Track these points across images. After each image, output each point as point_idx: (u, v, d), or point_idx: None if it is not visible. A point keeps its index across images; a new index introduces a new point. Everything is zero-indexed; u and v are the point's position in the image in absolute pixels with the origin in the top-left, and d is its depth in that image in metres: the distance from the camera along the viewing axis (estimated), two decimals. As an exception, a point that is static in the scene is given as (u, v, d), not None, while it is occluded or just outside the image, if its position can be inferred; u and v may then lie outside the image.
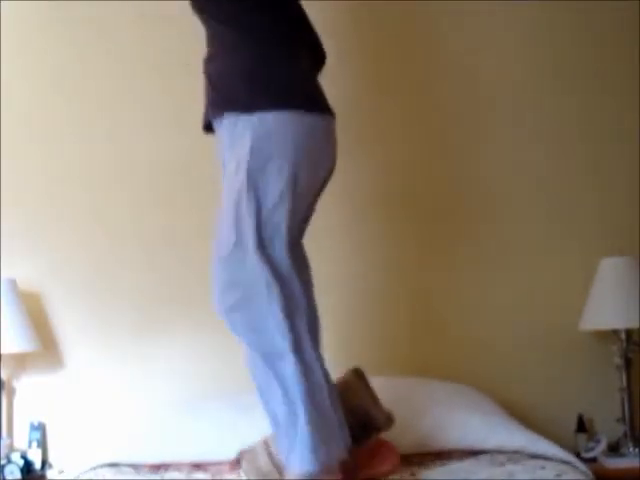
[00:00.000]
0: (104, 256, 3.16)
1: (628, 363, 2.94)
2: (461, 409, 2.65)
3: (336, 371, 2.99)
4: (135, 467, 2.57)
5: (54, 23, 3.25)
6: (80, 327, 3.14)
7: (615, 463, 2.80)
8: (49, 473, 2.96)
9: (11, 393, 3.08)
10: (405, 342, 3.08)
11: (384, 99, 3.19)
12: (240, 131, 2.08)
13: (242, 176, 2.04)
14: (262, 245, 2.02)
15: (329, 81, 2.30)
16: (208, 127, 2.27)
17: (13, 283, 3.03)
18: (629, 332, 2.95)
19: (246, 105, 2.07)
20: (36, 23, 3.26)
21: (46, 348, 3.09)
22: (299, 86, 2.12)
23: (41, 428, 3.06)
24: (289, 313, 2.03)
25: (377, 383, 2.80)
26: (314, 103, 2.12)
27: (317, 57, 2.28)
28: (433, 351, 3.08)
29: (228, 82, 2.14)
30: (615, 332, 2.97)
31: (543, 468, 2.26)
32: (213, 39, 2.23)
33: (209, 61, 2.24)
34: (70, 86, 3.24)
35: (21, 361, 3.11)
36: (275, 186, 2.03)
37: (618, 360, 2.95)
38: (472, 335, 3.09)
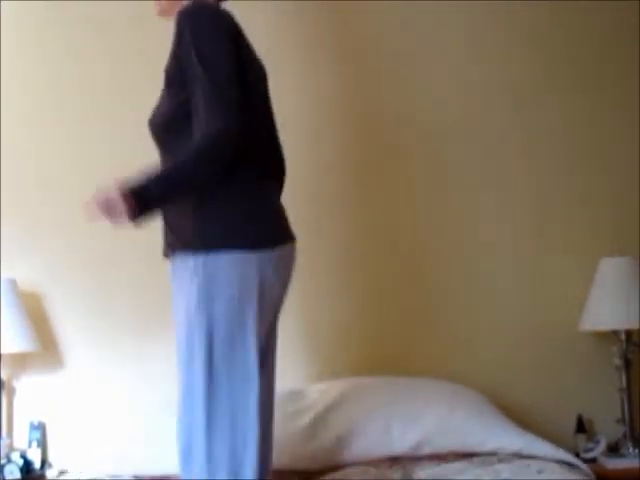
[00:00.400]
0: (104, 256, 3.16)
1: (628, 363, 2.94)
2: (460, 411, 2.65)
3: (333, 371, 3.01)
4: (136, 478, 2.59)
5: (53, 23, 3.25)
6: (80, 327, 3.14)
7: (615, 464, 2.79)
8: (49, 473, 2.96)
9: (11, 393, 3.09)
10: (404, 342, 3.08)
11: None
12: (189, 271, 1.98)
13: (186, 321, 1.98)
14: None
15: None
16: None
17: (13, 283, 3.03)
18: (629, 333, 2.95)
19: (195, 245, 1.97)
20: (35, 23, 3.26)
21: (46, 348, 3.10)
22: (260, 225, 2.00)
23: (41, 428, 3.07)
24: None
25: (375, 384, 2.81)
26: (276, 238, 2.01)
27: (282, 175, 2.18)
28: (433, 351, 3.08)
29: (178, 220, 2.04)
30: (615, 332, 2.96)
31: (528, 466, 2.26)
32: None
33: None
34: (69, 87, 3.24)
35: (21, 361, 3.11)
36: (224, 322, 1.93)
37: (618, 361, 2.95)
38: (471, 335, 3.09)
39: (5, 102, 3.20)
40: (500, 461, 2.38)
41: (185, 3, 2.11)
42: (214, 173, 1.93)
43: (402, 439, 2.49)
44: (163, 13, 2.25)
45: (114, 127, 3.21)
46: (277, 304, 2.06)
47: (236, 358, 1.93)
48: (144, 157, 3.15)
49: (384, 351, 3.06)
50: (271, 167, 2.12)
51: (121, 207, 1.87)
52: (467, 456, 2.47)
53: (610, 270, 2.97)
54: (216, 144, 1.91)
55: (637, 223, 3.10)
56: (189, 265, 1.98)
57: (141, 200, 1.88)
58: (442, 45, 3.22)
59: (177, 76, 2.02)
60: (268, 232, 2.00)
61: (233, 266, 1.93)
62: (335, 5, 3.19)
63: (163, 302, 3.10)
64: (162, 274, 3.10)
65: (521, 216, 3.16)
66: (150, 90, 3.17)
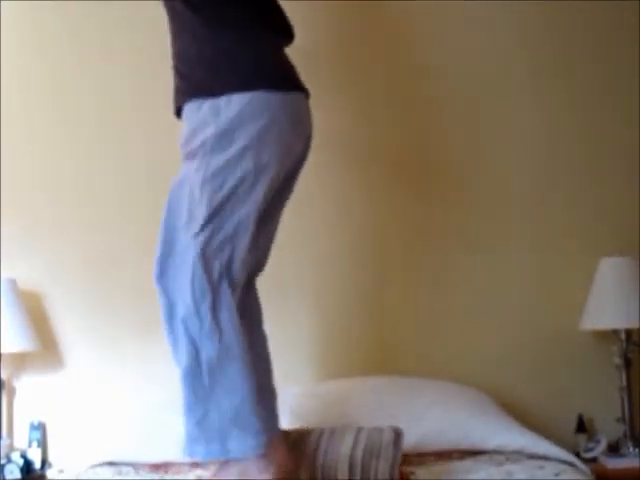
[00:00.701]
0: (104, 256, 3.16)
1: (628, 363, 2.94)
2: (461, 409, 2.65)
3: (335, 371, 3.01)
4: (135, 466, 2.58)
5: (53, 23, 3.26)
6: (80, 327, 3.14)
7: (615, 463, 2.79)
8: (49, 472, 2.96)
9: (11, 393, 3.08)
10: (405, 342, 3.08)
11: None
12: (204, 114, 2.04)
13: (207, 157, 2.02)
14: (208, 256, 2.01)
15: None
16: (179, 113, 2.24)
17: (13, 283, 3.03)
18: (629, 332, 2.95)
19: (210, 88, 2.04)
20: (35, 23, 3.26)
21: (46, 348, 3.10)
22: (265, 66, 2.08)
23: (41, 428, 3.06)
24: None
25: (378, 383, 2.81)
26: (282, 81, 2.07)
27: (285, 34, 2.24)
28: (433, 351, 3.07)
29: (191, 67, 2.12)
30: (615, 332, 2.97)
31: (542, 468, 2.26)
32: (176, 25, 2.20)
33: (173, 44, 2.21)
34: (69, 87, 3.24)
35: (21, 361, 3.11)
36: (236, 173, 2.01)
37: (618, 360, 2.95)
38: (472, 335, 3.09)
39: (5, 102, 3.20)
40: (507, 460, 2.37)
41: None
42: None
43: (405, 436, 2.48)
44: None
45: (114, 127, 3.21)
46: (299, 157, 2.14)
47: (241, 210, 2.00)
48: (144, 157, 3.20)
49: (384, 351, 3.06)
50: (280, 25, 2.20)
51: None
52: (470, 454, 2.47)
53: (610, 270, 2.97)
54: None
55: (637, 223, 3.10)
56: (204, 108, 2.03)
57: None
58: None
59: None
60: (287, 75, 2.09)
61: (253, 105, 1.99)
62: None
63: (163, 302, 3.11)
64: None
65: (521, 216, 3.16)
66: (150, 90, 3.22)
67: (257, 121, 2.00)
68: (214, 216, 2.00)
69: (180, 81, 2.18)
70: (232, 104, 2.00)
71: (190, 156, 2.09)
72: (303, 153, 2.17)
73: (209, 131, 2.02)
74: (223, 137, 2.00)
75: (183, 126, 2.18)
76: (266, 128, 2.01)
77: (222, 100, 2.01)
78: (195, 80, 2.10)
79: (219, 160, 2.00)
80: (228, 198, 2.00)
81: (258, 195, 2.02)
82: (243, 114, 1.99)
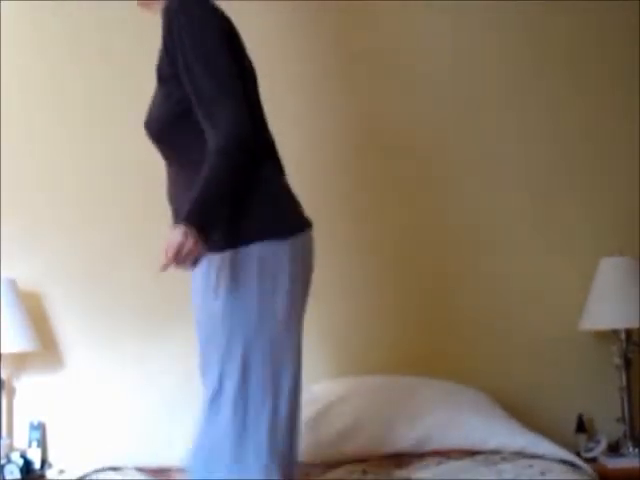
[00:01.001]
0: (104, 256, 3.16)
1: (628, 363, 2.94)
2: (462, 409, 2.65)
3: (335, 371, 3.01)
4: (138, 470, 2.58)
5: (53, 23, 3.25)
6: (80, 327, 3.14)
7: (615, 463, 2.79)
8: (49, 473, 2.96)
9: (11, 393, 3.08)
10: (405, 342, 3.08)
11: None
12: (214, 267, 1.94)
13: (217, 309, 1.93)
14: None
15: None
16: None
17: (13, 283, 3.03)
18: (629, 332, 2.95)
19: (221, 244, 1.93)
20: (35, 23, 3.26)
21: (46, 348, 3.09)
22: (280, 212, 1.98)
23: (41, 428, 3.06)
24: None
25: (378, 383, 2.82)
26: (290, 226, 1.97)
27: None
28: (433, 351, 3.07)
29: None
30: (615, 332, 2.97)
31: (531, 467, 2.26)
32: (175, 171, 2.08)
33: (174, 193, 2.10)
34: (69, 87, 3.24)
35: (21, 361, 3.11)
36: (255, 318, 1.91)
37: (618, 360, 2.95)
38: (472, 335, 3.09)
39: (5, 102, 3.20)
40: (503, 460, 2.37)
41: None
42: (244, 168, 1.89)
43: (404, 436, 2.49)
44: (145, 6, 2.18)
45: (114, 127, 3.21)
46: (307, 290, 2.04)
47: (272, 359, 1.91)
48: (144, 157, 3.18)
49: (385, 351, 3.06)
50: (278, 159, 2.09)
51: (190, 244, 1.81)
52: (470, 454, 2.47)
53: (610, 270, 2.97)
54: (237, 139, 1.87)
55: (637, 223, 3.10)
56: (214, 261, 1.94)
57: (201, 226, 1.83)
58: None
59: (170, 72, 1.98)
60: (294, 218, 2.00)
61: (265, 256, 1.91)
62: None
63: (163, 302, 3.13)
64: (162, 274, 3.12)
65: (521, 216, 3.16)
66: (151, 90, 3.20)
67: (266, 272, 1.91)
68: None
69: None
70: (246, 255, 1.91)
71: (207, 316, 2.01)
72: (307, 288, 2.06)
73: (225, 278, 1.92)
74: (238, 293, 1.91)
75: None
76: (275, 277, 1.92)
77: (238, 252, 1.91)
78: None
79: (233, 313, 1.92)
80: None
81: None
82: (249, 265, 1.91)
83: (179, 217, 1.89)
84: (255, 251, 1.91)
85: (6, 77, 3.21)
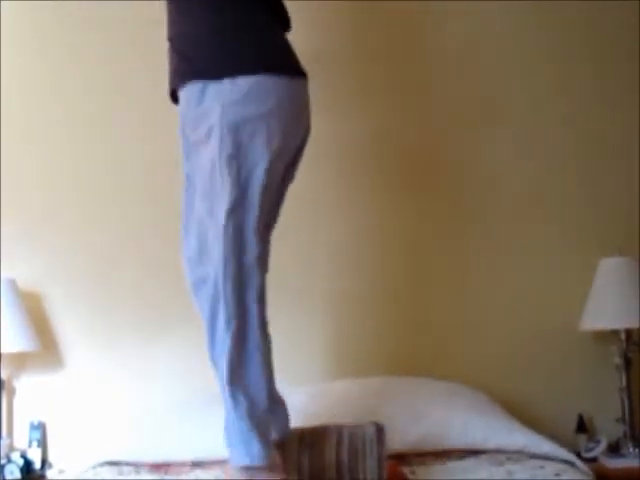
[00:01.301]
0: (104, 256, 3.16)
1: (628, 363, 2.94)
2: (462, 409, 2.64)
3: (335, 371, 3.01)
4: (136, 466, 2.58)
5: (53, 23, 3.26)
6: (80, 327, 3.14)
7: (615, 463, 2.79)
8: (49, 473, 2.96)
9: (11, 393, 3.08)
10: (405, 342, 3.08)
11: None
12: (209, 98, 2.00)
13: (215, 142, 1.97)
14: (234, 214, 1.96)
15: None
16: (174, 95, 2.20)
17: (13, 283, 3.03)
18: (629, 332, 2.95)
19: (215, 71, 2.00)
20: (35, 23, 3.26)
21: (46, 348, 3.10)
22: (269, 49, 2.04)
23: (41, 428, 3.06)
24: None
25: (378, 383, 2.82)
26: (287, 66, 2.04)
27: (284, 20, 2.19)
28: (433, 351, 3.07)
29: (192, 48, 2.08)
30: (615, 332, 2.97)
31: (542, 467, 2.25)
32: (175, 5, 2.15)
33: (173, 26, 2.16)
34: (69, 87, 3.24)
35: (21, 361, 3.11)
36: (252, 150, 1.97)
37: (618, 360, 2.95)
38: (472, 335, 3.09)
39: (5, 102, 3.20)
40: (508, 459, 2.36)
41: None
42: None
43: (405, 436, 2.48)
44: None
45: (114, 127, 3.22)
46: (299, 144, 2.11)
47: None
48: (144, 157, 3.20)
49: (385, 351, 3.06)
50: (279, 11, 2.16)
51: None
52: (471, 453, 2.47)
53: (610, 270, 2.97)
54: None
55: (637, 223, 3.10)
56: (208, 92, 1.99)
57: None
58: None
59: None
60: (292, 61, 2.05)
61: (259, 88, 1.95)
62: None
63: (163, 302, 3.13)
64: (162, 274, 3.13)
65: (521, 216, 3.16)
66: (151, 90, 3.21)
67: (263, 104, 1.97)
68: (241, 197, 1.97)
69: (178, 62, 2.14)
70: (236, 86, 1.97)
71: (199, 142, 2.06)
72: (303, 142, 2.15)
73: (215, 115, 1.98)
74: (231, 119, 1.96)
75: (181, 108, 2.15)
76: (271, 112, 1.98)
77: (226, 83, 1.98)
78: (196, 61, 2.06)
79: (229, 146, 1.97)
80: (246, 180, 1.97)
81: (267, 179, 2.00)
82: (248, 97, 1.97)
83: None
84: (241, 85, 1.96)
85: (6, 77, 3.22)
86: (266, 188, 1.99)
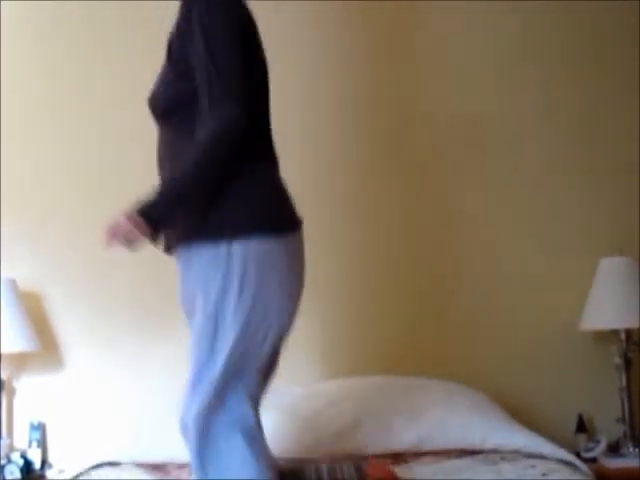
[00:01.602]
0: (104, 256, 3.14)
1: (628, 363, 2.94)
2: (461, 409, 2.65)
3: (335, 371, 3.01)
4: (136, 466, 2.58)
5: (53, 23, 3.26)
6: (80, 327, 3.14)
7: (615, 463, 2.79)
8: (49, 473, 2.96)
9: (11, 393, 3.08)
10: (405, 342, 3.08)
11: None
12: (207, 261, 1.89)
13: (211, 308, 1.87)
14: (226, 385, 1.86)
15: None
16: (168, 249, 2.08)
17: (13, 283, 3.03)
18: (629, 332, 2.95)
19: (213, 234, 1.88)
20: (35, 23, 3.26)
21: (46, 348, 3.10)
22: (270, 209, 1.92)
23: (41, 428, 3.06)
24: None
25: (377, 382, 2.82)
26: (287, 224, 1.94)
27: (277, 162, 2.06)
28: (432, 351, 3.07)
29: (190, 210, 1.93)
30: (615, 332, 2.97)
31: (533, 467, 2.26)
32: (170, 149, 1.99)
33: (165, 158, 2.01)
34: (69, 87, 3.24)
35: (21, 361, 3.11)
36: (244, 315, 1.87)
37: (618, 360, 2.95)
38: (472, 335, 3.09)
39: (5, 102, 3.20)
40: (503, 459, 2.37)
41: None
42: (224, 165, 1.86)
43: (403, 435, 2.48)
44: None
45: (114, 127, 3.21)
46: (300, 290, 2.00)
47: (255, 354, 1.89)
48: (144, 157, 3.18)
49: (384, 351, 3.06)
50: (275, 158, 2.04)
51: (132, 231, 1.83)
52: (469, 453, 2.47)
53: (610, 270, 2.97)
54: (225, 134, 1.85)
55: (637, 223, 3.10)
56: (205, 254, 1.90)
57: (150, 218, 1.83)
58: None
59: (181, 53, 1.96)
60: (290, 216, 1.97)
61: (262, 252, 1.87)
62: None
63: (163, 302, 3.12)
64: (162, 274, 3.12)
65: (521, 216, 3.16)
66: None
67: (261, 268, 1.87)
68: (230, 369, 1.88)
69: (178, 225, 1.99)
70: (235, 251, 1.86)
71: (192, 313, 1.98)
72: (300, 291, 2.01)
73: (215, 283, 1.88)
74: (229, 287, 1.87)
75: (180, 272, 2.07)
76: (270, 275, 1.88)
77: (222, 248, 1.87)
78: (195, 222, 1.92)
79: (228, 310, 1.87)
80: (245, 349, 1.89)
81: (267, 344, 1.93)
82: (247, 262, 1.86)
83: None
84: (252, 247, 1.87)
85: (6, 77, 3.22)
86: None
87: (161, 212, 1.87)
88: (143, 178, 3.12)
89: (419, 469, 2.34)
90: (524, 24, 3.22)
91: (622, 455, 2.86)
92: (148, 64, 3.18)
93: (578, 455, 2.73)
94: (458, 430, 2.52)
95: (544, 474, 2.17)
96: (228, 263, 1.87)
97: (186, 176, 1.87)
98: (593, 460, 2.82)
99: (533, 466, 2.27)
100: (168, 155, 1.99)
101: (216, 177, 1.87)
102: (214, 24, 1.89)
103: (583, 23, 3.21)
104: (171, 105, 1.98)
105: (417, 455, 2.48)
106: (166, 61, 2.04)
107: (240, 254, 1.86)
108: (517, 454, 2.42)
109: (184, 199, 1.88)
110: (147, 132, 3.17)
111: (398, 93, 3.22)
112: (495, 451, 2.45)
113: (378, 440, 2.54)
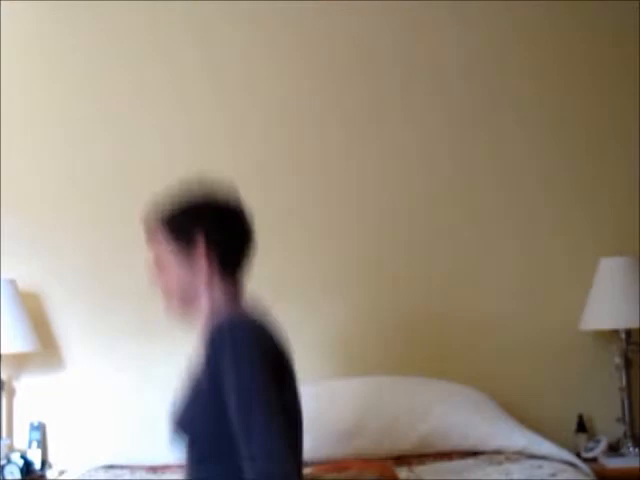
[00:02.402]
0: (104, 256, 3.16)
1: (628, 363, 2.94)
2: (462, 410, 2.64)
3: (336, 370, 3.01)
4: (132, 469, 2.58)
5: (53, 23, 3.26)
6: (80, 327, 3.14)
7: (615, 463, 2.79)
8: (49, 473, 2.96)
9: (11, 393, 3.08)
10: (405, 342, 3.08)
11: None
12: None
13: None
14: None
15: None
16: None
17: (13, 283, 3.03)
18: (629, 332, 2.95)
19: None
20: (35, 23, 3.26)
21: (46, 348, 3.10)
22: None
23: (41, 428, 3.06)
24: None
25: (378, 383, 2.81)
26: None
27: None
28: (432, 351, 3.07)
29: None
30: (615, 332, 2.97)
31: (540, 467, 2.26)
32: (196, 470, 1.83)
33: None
34: (69, 87, 3.24)
35: (21, 361, 3.11)
36: None
37: (618, 360, 2.95)
38: (472, 335, 3.09)
39: (5, 102, 3.20)
40: (507, 460, 2.37)
41: (219, 316, 1.80)
42: None
43: (405, 437, 2.48)
44: (177, 309, 1.92)
45: (115, 127, 3.21)
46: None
47: None
48: (144, 157, 3.20)
49: (385, 352, 3.06)
50: None
51: None
52: (471, 454, 2.47)
53: (610, 270, 2.97)
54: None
55: (637, 223, 3.10)
56: None
57: None
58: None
59: (211, 394, 1.74)
60: None
61: None
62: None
63: (163, 302, 3.11)
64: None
65: (521, 216, 3.15)
66: (151, 90, 3.22)
67: None
68: None
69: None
70: None
71: None
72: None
73: None
74: None
75: None
76: None
77: None
78: None
79: None
80: None
81: None
82: None
83: None
84: None
85: (6, 77, 3.22)
86: None
87: None
88: (143, 178, 3.18)
89: (424, 469, 2.34)
90: (519, 23, 3.22)
91: (622, 455, 2.86)
92: (149, 64, 3.22)
93: (578, 455, 2.73)
94: (459, 432, 2.52)
95: (553, 474, 2.17)
96: None
97: None
98: (593, 460, 2.82)
99: (540, 466, 2.26)
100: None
101: None
102: (244, 370, 1.70)
103: (583, 23, 3.21)
104: (206, 436, 1.80)
105: (420, 457, 2.48)
106: (193, 392, 1.85)
107: None
108: (520, 455, 2.42)
109: None
110: (148, 132, 3.21)
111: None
112: (497, 452, 2.45)
113: (380, 442, 2.54)
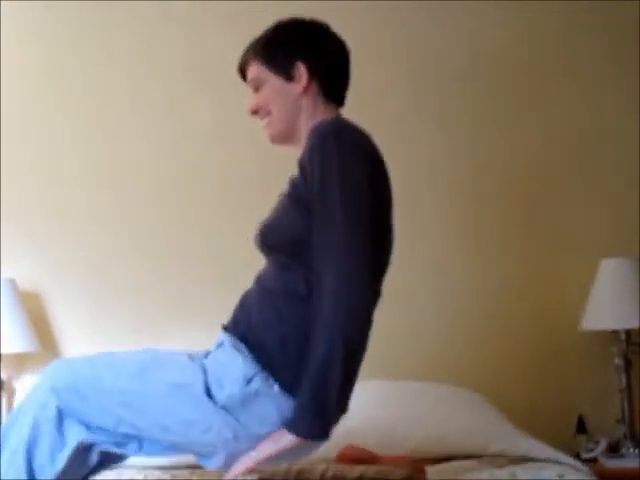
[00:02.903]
0: (104, 256, 3.16)
1: (628, 364, 2.94)
2: (462, 414, 2.63)
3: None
4: (137, 468, 2.57)
5: (53, 23, 3.25)
6: (80, 327, 3.14)
7: (615, 464, 2.79)
8: (49, 473, 2.96)
9: (11, 393, 3.08)
10: (405, 345, 3.08)
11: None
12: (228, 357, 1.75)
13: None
14: None
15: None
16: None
17: (13, 283, 3.03)
18: (629, 333, 2.95)
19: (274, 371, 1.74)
20: (35, 23, 3.26)
21: (46, 348, 3.10)
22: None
23: (41, 428, 3.06)
24: None
25: (379, 386, 2.81)
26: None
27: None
28: (432, 353, 3.07)
29: (262, 334, 1.77)
30: (615, 333, 2.97)
31: (545, 469, 2.25)
32: (265, 290, 1.79)
33: (249, 305, 1.80)
34: (69, 88, 3.24)
35: (21, 361, 3.11)
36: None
37: (618, 361, 2.95)
38: (472, 336, 3.09)
39: (5, 102, 3.20)
40: (510, 462, 2.36)
41: (317, 121, 1.76)
42: (359, 341, 1.78)
43: (405, 441, 2.47)
44: (277, 138, 1.86)
45: (115, 127, 3.21)
46: None
47: None
48: (144, 157, 3.20)
49: (385, 355, 3.05)
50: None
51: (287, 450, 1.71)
52: (472, 458, 2.46)
53: (610, 270, 2.97)
54: (351, 317, 1.73)
55: (637, 223, 3.10)
56: (228, 353, 1.76)
57: (316, 434, 1.74)
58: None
59: (305, 196, 1.71)
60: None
61: (269, 397, 1.74)
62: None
63: (163, 302, 3.12)
64: (161, 274, 3.13)
65: (521, 216, 3.16)
66: (151, 91, 3.22)
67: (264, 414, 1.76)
68: None
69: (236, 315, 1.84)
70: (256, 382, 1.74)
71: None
72: None
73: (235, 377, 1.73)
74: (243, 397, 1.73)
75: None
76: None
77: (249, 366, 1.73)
78: (257, 344, 1.76)
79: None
80: None
81: None
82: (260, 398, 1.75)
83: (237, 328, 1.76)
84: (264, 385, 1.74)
85: (6, 77, 3.21)
86: None
87: (324, 421, 1.77)
88: (144, 178, 3.18)
89: (428, 470, 2.33)
90: (519, 23, 3.22)
91: (622, 456, 2.86)
92: (150, 64, 3.21)
93: (578, 456, 2.73)
94: (459, 435, 2.51)
95: (560, 475, 2.16)
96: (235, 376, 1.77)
97: (324, 374, 1.71)
98: (593, 461, 2.82)
99: (544, 468, 2.26)
100: (267, 288, 1.81)
101: (350, 352, 1.78)
102: (344, 180, 1.67)
103: (583, 23, 3.21)
104: (290, 242, 1.77)
105: (420, 460, 2.47)
106: (286, 198, 1.79)
107: (253, 382, 1.75)
108: (521, 458, 2.41)
109: (332, 386, 1.74)
110: (148, 132, 3.20)
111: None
112: (499, 455, 2.44)
113: (380, 445, 2.53)
